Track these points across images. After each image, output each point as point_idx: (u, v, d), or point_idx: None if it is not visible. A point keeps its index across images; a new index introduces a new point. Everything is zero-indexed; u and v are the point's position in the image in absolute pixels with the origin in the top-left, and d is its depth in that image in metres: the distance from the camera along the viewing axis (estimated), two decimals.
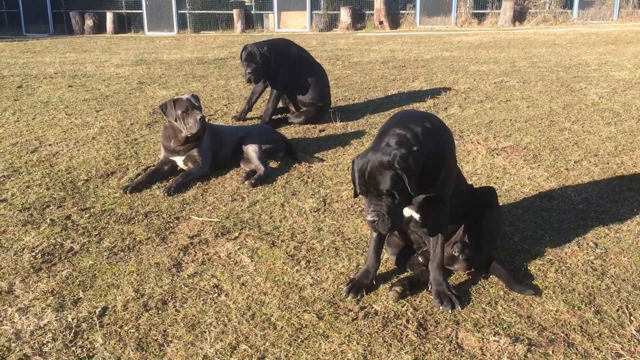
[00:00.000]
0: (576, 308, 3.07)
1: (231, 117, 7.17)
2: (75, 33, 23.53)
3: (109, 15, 23.45)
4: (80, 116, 7.32)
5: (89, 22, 23.61)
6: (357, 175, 2.93)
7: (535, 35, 17.60)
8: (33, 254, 3.73)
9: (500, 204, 4.31)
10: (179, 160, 5.13)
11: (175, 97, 5.05)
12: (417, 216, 3.23)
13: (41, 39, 20.63)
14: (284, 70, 6.69)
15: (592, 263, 3.53)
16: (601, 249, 3.69)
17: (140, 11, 23.66)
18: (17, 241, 3.92)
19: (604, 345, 2.77)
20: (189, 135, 4.99)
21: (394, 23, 22.58)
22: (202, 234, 4.02)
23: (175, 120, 4.97)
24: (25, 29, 24.31)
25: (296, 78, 6.77)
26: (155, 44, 17.75)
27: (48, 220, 4.23)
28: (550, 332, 2.87)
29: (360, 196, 3.09)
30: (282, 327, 2.95)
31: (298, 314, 3.06)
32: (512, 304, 3.12)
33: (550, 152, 5.56)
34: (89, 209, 4.43)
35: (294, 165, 5.41)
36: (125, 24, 24.37)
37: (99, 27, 23.70)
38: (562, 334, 2.85)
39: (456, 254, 3.32)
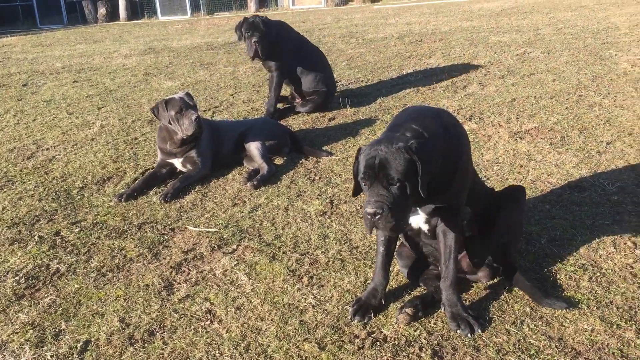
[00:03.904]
0: (615, 326, 2.67)
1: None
2: (89, 22, 23.36)
3: (122, 2, 23.16)
4: (82, 115, 7.05)
5: (101, 11, 23.38)
6: (365, 163, 2.51)
7: None
8: (17, 278, 3.47)
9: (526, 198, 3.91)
10: (177, 163, 4.81)
11: (167, 98, 4.69)
12: (425, 227, 2.86)
13: (55, 30, 20.46)
14: (283, 52, 6.22)
15: (632, 267, 3.11)
16: None
17: None
18: (2, 263, 3.66)
19: None
20: (185, 137, 4.65)
21: None
22: (197, 248, 3.71)
23: (169, 123, 4.62)
24: (39, 22, 24.22)
25: (296, 64, 6.31)
26: (167, 30, 17.42)
27: (36, 237, 3.96)
28: (585, 358, 2.49)
29: (359, 195, 2.73)
30: None
31: (297, 344, 2.73)
32: (540, 323, 2.74)
33: (580, 133, 5.08)
34: (79, 222, 4.15)
35: (300, 161, 5.04)
36: (138, 10, 24.07)
37: (112, 15, 23.45)
38: None
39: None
